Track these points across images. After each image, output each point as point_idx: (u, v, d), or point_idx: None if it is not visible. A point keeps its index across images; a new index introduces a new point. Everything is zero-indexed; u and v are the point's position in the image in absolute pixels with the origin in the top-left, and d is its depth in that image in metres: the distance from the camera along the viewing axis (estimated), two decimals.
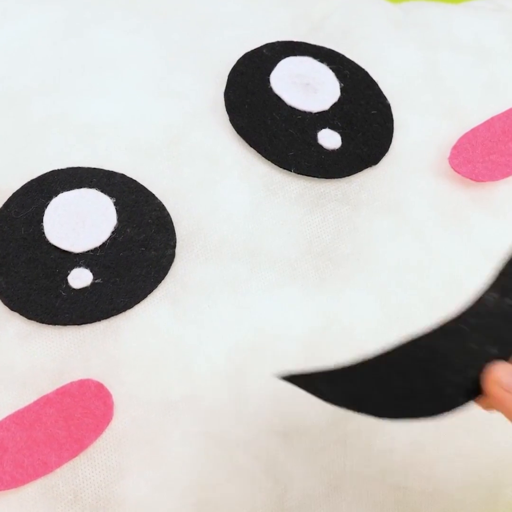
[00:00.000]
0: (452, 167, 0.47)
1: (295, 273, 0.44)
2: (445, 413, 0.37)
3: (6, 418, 0.39)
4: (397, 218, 0.46)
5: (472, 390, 0.37)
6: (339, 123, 0.48)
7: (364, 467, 0.42)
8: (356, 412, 0.36)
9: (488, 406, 0.37)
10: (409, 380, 0.37)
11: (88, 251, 0.42)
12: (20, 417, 0.39)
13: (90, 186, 0.44)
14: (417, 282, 0.44)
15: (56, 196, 0.44)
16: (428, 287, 0.45)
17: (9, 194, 0.44)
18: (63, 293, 0.42)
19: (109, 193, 0.44)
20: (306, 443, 0.41)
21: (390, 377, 0.37)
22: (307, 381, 0.37)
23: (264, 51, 0.50)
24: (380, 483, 0.42)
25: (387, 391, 0.37)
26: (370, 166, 0.47)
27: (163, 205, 0.44)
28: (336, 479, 0.41)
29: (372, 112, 0.49)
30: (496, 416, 0.36)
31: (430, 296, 0.44)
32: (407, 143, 0.49)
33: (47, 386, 0.40)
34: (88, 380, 0.40)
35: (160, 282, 0.42)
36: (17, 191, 0.44)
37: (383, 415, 0.37)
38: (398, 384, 0.37)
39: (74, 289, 0.42)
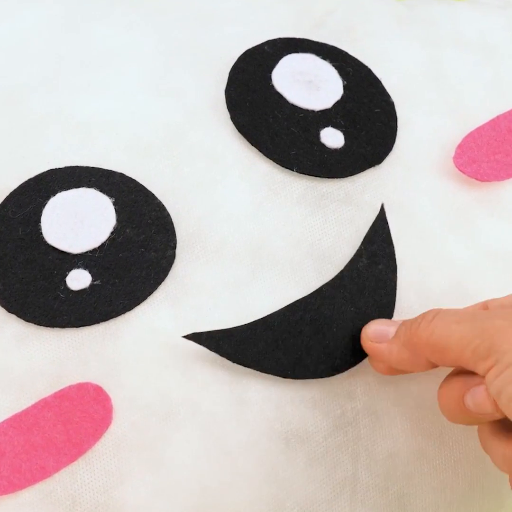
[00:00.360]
0: (456, 167, 0.47)
1: (297, 276, 0.44)
2: (338, 373, 0.41)
3: (3, 422, 0.39)
4: (401, 219, 0.46)
5: (361, 351, 0.41)
6: (342, 122, 0.48)
7: (367, 473, 0.42)
8: (261, 372, 0.40)
9: (389, 371, 0.41)
10: (301, 341, 0.41)
11: (86, 252, 0.42)
12: (17, 421, 0.39)
13: (89, 186, 0.44)
14: (421, 283, 0.44)
15: (54, 195, 0.44)
16: (432, 290, 0.45)
17: (6, 193, 0.44)
18: (61, 295, 0.42)
19: (108, 193, 0.44)
20: (308, 449, 0.41)
21: (284, 337, 0.41)
22: (211, 341, 0.40)
23: (266, 48, 0.50)
24: (383, 489, 0.42)
25: (284, 351, 0.41)
26: (374, 165, 0.47)
27: (163, 205, 0.44)
28: (339, 485, 0.42)
29: (376, 110, 0.49)
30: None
31: (434, 298, 0.44)
32: (411, 142, 0.49)
33: (45, 389, 0.40)
34: (86, 384, 0.40)
35: (160, 283, 0.42)
36: (14, 190, 0.44)
37: (286, 375, 0.41)
38: (292, 344, 0.41)
39: (72, 290, 0.42)
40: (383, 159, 0.47)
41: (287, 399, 0.41)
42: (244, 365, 0.41)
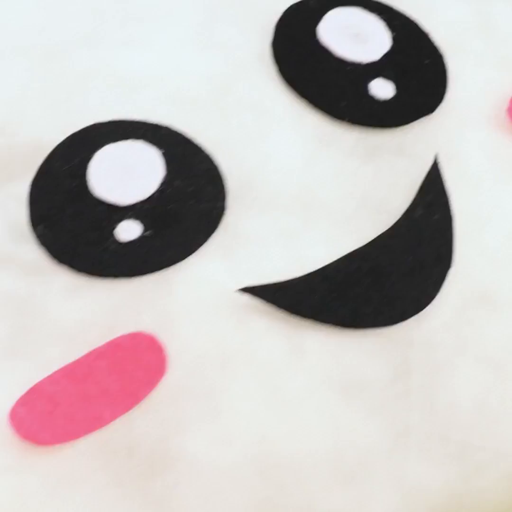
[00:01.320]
0: (510, 119, 0.48)
1: (351, 226, 0.44)
2: (398, 322, 0.42)
3: (55, 373, 0.40)
4: (455, 170, 0.46)
5: (420, 300, 0.42)
6: (391, 73, 0.48)
7: (427, 422, 0.42)
8: (320, 322, 0.41)
9: None
10: (360, 291, 0.41)
11: (135, 204, 0.43)
12: (70, 371, 0.40)
13: (136, 138, 0.45)
14: (478, 234, 0.45)
15: (101, 148, 0.44)
16: (488, 240, 0.45)
17: (51, 147, 0.44)
18: (111, 246, 0.42)
19: (156, 145, 0.44)
20: (367, 398, 0.42)
21: (342, 288, 0.41)
22: (267, 293, 0.41)
23: (311, 2, 0.51)
24: (444, 439, 0.42)
25: (343, 302, 0.41)
26: (426, 115, 0.47)
27: (211, 157, 0.45)
28: (399, 435, 0.42)
29: (425, 61, 0.49)
30: None
31: (491, 249, 0.45)
32: (462, 94, 0.49)
33: (97, 340, 0.40)
34: (140, 333, 0.40)
35: (212, 234, 0.43)
36: (60, 144, 0.44)
37: (345, 325, 0.41)
38: (350, 295, 0.41)
39: (122, 242, 0.42)
40: (435, 109, 0.48)
41: (345, 348, 0.42)
42: (302, 317, 0.41)
